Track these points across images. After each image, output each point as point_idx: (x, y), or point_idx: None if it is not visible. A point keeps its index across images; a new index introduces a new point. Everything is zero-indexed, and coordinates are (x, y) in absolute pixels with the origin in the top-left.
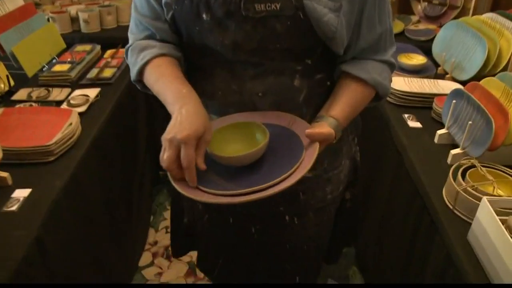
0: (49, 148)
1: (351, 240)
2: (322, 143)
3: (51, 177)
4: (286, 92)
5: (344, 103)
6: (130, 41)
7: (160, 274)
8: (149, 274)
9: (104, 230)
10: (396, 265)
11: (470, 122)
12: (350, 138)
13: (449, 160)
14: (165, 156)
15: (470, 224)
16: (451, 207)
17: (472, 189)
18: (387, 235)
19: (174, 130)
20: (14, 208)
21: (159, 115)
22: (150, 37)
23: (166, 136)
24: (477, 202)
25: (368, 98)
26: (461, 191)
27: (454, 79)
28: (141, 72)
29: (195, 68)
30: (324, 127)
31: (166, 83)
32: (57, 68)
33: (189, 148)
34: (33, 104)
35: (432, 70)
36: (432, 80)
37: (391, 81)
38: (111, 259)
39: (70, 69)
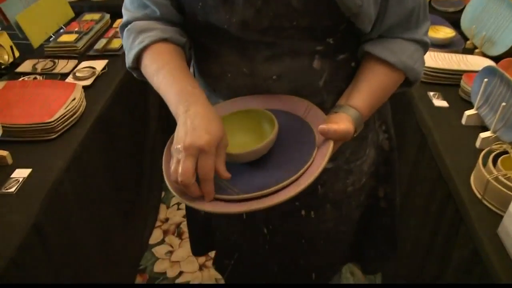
0: (51, 125)
1: (391, 251)
2: (337, 142)
3: (52, 156)
4: (304, 75)
5: (367, 91)
6: (125, 18)
7: (171, 252)
8: (160, 252)
9: (110, 210)
10: (415, 255)
11: (503, 104)
12: (376, 125)
13: (477, 143)
14: (180, 168)
15: (501, 216)
16: (479, 196)
17: (505, 178)
18: (407, 222)
19: (189, 137)
20: (12, 189)
21: None
22: (150, 16)
23: (178, 146)
24: (510, 193)
25: (396, 84)
26: (491, 180)
27: (484, 54)
28: (138, 58)
29: (200, 47)
30: (342, 122)
31: (168, 77)
32: (64, 38)
33: (209, 157)
34: (38, 76)
35: (460, 45)
36: (460, 55)
37: (423, 64)
38: (118, 239)
39: (77, 40)
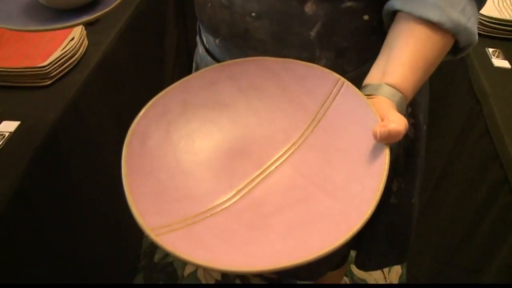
0: (44, 70)
1: (397, 257)
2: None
3: (45, 106)
4: (290, 19)
5: (408, 63)
6: None
7: None
8: None
9: (116, 169)
10: (448, 243)
11: None
12: None
13: None
14: None
15: None
16: None
17: None
18: (442, 204)
19: None
20: None
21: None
22: None
23: None
24: None
25: (444, 51)
26: None
27: None
28: None
29: None
30: (394, 115)
31: None
32: None
33: None
34: None
35: None
36: None
37: (477, 21)
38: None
39: None
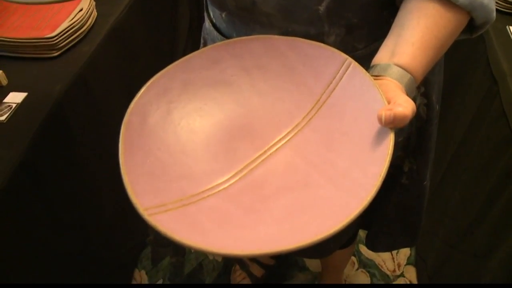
0: (52, 41)
1: (407, 240)
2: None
3: (53, 78)
4: None
5: (419, 43)
6: None
7: None
8: None
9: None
10: (456, 228)
11: None
12: None
13: None
14: None
15: None
16: None
17: None
18: (451, 192)
19: None
20: (3, 118)
21: None
22: None
23: None
24: None
25: (458, 30)
26: None
27: None
28: None
29: None
30: (401, 98)
31: None
32: None
33: None
34: None
35: None
36: None
37: None
38: None
39: None
